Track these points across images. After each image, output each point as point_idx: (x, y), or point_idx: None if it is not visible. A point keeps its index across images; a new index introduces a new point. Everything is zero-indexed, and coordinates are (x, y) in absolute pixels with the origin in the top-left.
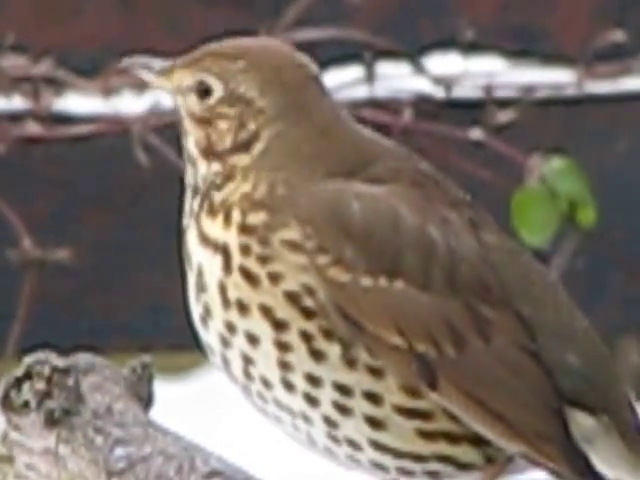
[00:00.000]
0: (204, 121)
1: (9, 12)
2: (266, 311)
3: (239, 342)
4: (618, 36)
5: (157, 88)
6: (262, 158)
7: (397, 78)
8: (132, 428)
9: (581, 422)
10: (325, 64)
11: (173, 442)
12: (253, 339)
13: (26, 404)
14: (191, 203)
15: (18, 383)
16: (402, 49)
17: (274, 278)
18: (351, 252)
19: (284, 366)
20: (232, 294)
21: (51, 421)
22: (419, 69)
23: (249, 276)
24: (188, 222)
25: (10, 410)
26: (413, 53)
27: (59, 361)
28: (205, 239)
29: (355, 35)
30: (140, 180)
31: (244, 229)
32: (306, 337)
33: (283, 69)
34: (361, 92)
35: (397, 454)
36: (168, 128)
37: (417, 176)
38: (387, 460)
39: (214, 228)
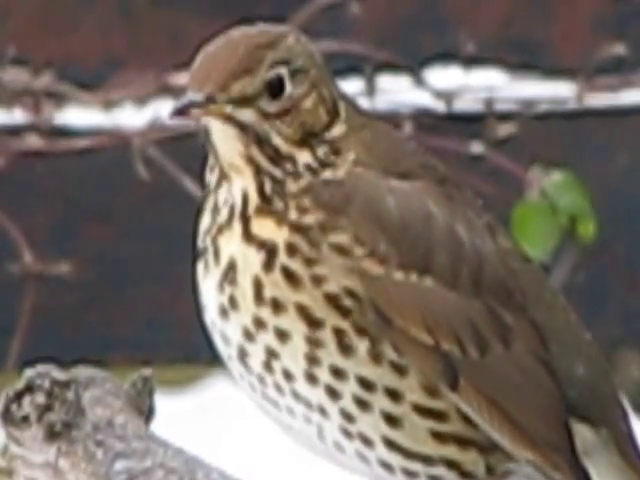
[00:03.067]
0: (286, 113)
1: (10, 25)
2: (302, 310)
3: (266, 337)
4: (618, 49)
5: (207, 119)
6: (348, 120)
7: (397, 91)
8: (133, 442)
9: (582, 434)
10: None
11: (174, 456)
12: (283, 335)
13: (26, 417)
14: (240, 205)
15: (18, 396)
16: (402, 62)
17: (317, 280)
18: (385, 246)
19: (311, 360)
20: (268, 292)
21: (51, 434)
22: (419, 82)
23: (291, 277)
24: (225, 225)
25: (11, 423)
26: (413, 66)
27: (60, 374)
28: (251, 237)
29: (355, 48)
30: (141, 193)
31: (298, 228)
32: (338, 333)
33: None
34: (361, 105)
35: (407, 454)
36: (169, 141)
37: (439, 175)
38: (395, 459)
39: (265, 227)
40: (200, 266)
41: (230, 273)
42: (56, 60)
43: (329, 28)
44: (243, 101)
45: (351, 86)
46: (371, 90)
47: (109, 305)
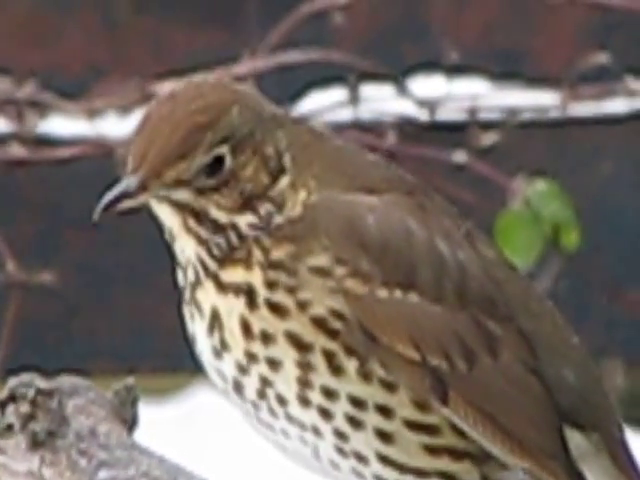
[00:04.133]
0: (225, 185)
1: None
2: (292, 337)
3: (259, 368)
4: (602, 58)
5: (143, 205)
6: (294, 165)
7: (381, 100)
8: (116, 450)
9: (574, 440)
10: (309, 86)
11: (157, 464)
12: (274, 364)
13: (10, 426)
14: (200, 266)
15: (2, 405)
16: (386, 71)
17: (302, 305)
18: (367, 264)
19: (303, 383)
20: (256, 327)
21: (35, 443)
22: (403, 91)
23: (277, 308)
24: (196, 283)
25: None
26: (397, 75)
27: (43, 383)
28: (224, 287)
29: (339, 57)
30: None
31: (270, 265)
32: (328, 355)
33: (248, 95)
34: (345, 114)
35: (401, 468)
36: None
37: (407, 185)
38: (390, 474)
39: (235, 274)
40: (187, 314)
41: (215, 321)
42: (39, 69)
43: (312, 37)
44: (178, 184)
45: (334, 95)
46: (354, 99)
47: (93, 314)
